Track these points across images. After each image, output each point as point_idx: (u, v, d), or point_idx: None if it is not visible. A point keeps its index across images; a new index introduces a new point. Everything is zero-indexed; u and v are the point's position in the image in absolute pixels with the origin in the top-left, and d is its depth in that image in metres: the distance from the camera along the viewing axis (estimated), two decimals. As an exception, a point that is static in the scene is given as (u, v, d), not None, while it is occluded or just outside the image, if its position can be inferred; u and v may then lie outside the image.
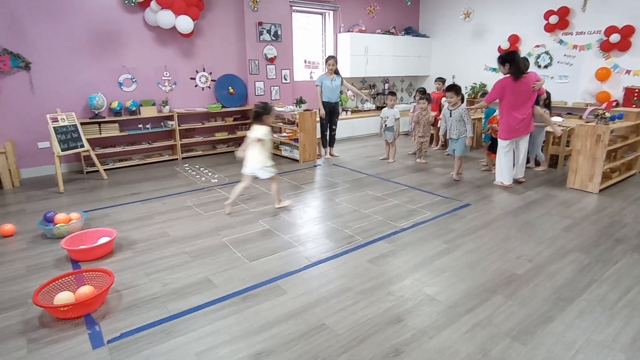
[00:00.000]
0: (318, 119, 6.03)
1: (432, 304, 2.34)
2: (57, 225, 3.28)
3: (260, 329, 2.14)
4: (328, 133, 6.18)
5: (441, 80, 6.73)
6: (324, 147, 6.26)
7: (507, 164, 4.53)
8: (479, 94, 8.14)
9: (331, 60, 5.83)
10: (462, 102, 5.97)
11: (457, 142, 4.81)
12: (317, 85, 5.92)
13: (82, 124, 5.14)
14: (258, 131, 3.63)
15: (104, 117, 5.49)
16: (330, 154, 6.26)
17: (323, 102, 5.92)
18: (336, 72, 5.92)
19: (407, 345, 1.99)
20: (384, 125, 5.75)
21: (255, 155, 3.68)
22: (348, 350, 1.97)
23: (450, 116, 4.80)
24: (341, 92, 6.85)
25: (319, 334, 2.09)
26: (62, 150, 4.65)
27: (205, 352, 1.97)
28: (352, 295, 2.44)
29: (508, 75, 4.28)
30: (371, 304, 2.35)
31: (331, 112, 6.03)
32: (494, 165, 5.25)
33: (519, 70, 4.22)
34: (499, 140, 4.54)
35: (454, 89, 4.77)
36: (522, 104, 4.32)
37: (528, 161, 5.53)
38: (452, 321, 2.18)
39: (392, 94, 5.78)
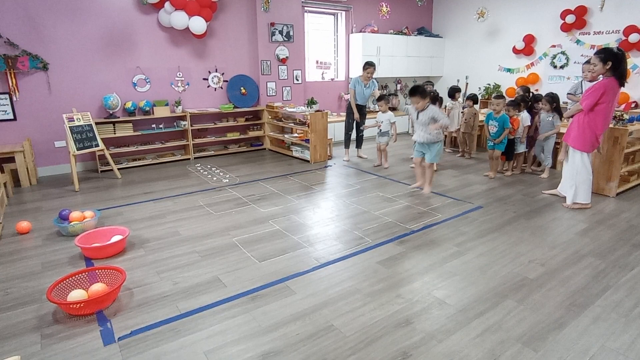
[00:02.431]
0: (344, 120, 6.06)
1: (441, 308, 2.32)
2: (71, 223, 3.35)
3: (269, 329, 2.15)
4: (356, 134, 6.14)
5: (430, 83, 6.75)
6: (346, 147, 6.19)
7: (590, 181, 3.90)
8: (492, 95, 8.05)
9: (371, 68, 5.73)
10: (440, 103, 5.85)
11: (430, 148, 4.24)
12: (350, 89, 5.88)
13: (97, 123, 5.23)
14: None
15: (119, 117, 5.58)
16: (359, 156, 6.23)
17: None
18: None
19: (416, 349, 1.98)
20: (378, 130, 5.56)
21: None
22: (356, 352, 1.96)
23: (417, 119, 4.21)
24: (373, 102, 6.72)
25: (326, 335, 2.09)
26: (78, 149, 4.74)
27: (213, 351, 1.99)
28: (361, 297, 2.43)
29: (611, 77, 3.57)
30: (380, 306, 2.34)
31: (360, 113, 5.96)
32: (506, 167, 5.16)
33: (624, 74, 3.58)
34: (580, 153, 3.82)
35: (419, 92, 4.09)
36: (612, 114, 3.82)
37: (539, 164, 5.41)
38: (461, 325, 2.16)
39: (382, 97, 5.50)
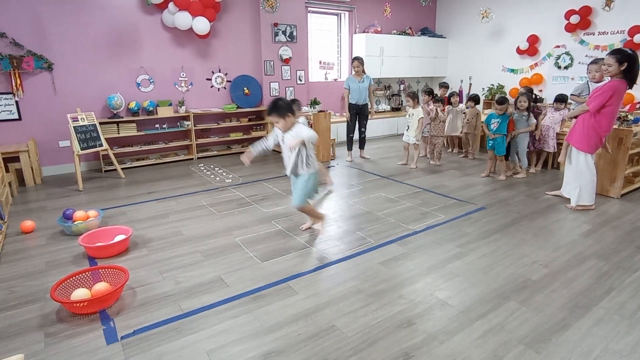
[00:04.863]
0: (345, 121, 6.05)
1: (443, 309, 2.31)
2: (75, 223, 3.37)
3: (271, 329, 2.15)
4: (357, 135, 6.10)
5: (445, 86, 6.65)
6: (349, 149, 6.18)
7: (594, 183, 3.89)
8: (496, 95, 8.01)
9: (355, 62, 5.72)
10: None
11: (297, 181, 3.12)
12: (344, 88, 5.87)
13: (101, 123, 5.25)
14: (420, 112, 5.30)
15: (122, 117, 5.60)
16: (361, 156, 6.20)
17: (350, 104, 5.86)
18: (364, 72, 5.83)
19: (417, 350, 1.98)
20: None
21: (413, 129, 5.43)
22: (357, 352, 1.96)
23: (283, 142, 3.07)
24: (377, 102, 6.52)
25: (328, 335, 2.09)
26: (82, 149, 4.76)
27: (215, 350, 1.99)
28: (363, 298, 2.43)
29: (621, 79, 3.49)
30: (382, 306, 2.34)
31: (359, 114, 5.93)
32: (505, 169, 5.07)
33: (636, 77, 3.49)
34: (583, 154, 3.78)
35: (275, 109, 2.95)
36: (617, 115, 3.76)
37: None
38: (463, 326, 2.15)
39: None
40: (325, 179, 4.67)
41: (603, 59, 3.77)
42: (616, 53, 3.50)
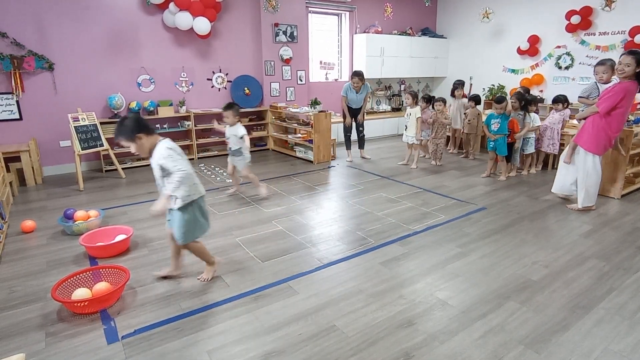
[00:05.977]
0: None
1: (444, 309, 2.31)
2: (76, 222, 3.37)
3: (271, 329, 2.15)
4: (356, 135, 6.12)
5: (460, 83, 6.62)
6: (347, 149, 6.20)
7: (598, 184, 3.86)
8: (496, 95, 8.02)
9: (355, 78, 5.69)
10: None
11: (171, 214, 2.45)
12: (342, 95, 5.89)
13: (101, 123, 5.26)
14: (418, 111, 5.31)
15: (123, 117, 5.60)
16: (362, 156, 6.21)
17: (348, 107, 5.89)
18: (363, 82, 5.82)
19: (418, 350, 1.98)
20: (228, 148, 4.35)
21: (411, 129, 5.43)
22: (357, 352, 1.96)
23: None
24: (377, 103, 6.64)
25: (328, 335, 2.09)
26: (83, 149, 4.77)
27: (216, 350, 1.99)
28: (364, 298, 2.43)
29: (632, 80, 3.44)
30: (382, 306, 2.34)
31: (356, 116, 5.99)
32: (506, 169, 5.06)
33: None
34: (592, 156, 3.73)
35: (121, 133, 2.31)
36: (627, 117, 3.73)
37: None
38: (464, 327, 2.15)
39: (230, 107, 4.20)
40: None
41: (609, 59, 3.77)
42: (635, 54, 3.42)
